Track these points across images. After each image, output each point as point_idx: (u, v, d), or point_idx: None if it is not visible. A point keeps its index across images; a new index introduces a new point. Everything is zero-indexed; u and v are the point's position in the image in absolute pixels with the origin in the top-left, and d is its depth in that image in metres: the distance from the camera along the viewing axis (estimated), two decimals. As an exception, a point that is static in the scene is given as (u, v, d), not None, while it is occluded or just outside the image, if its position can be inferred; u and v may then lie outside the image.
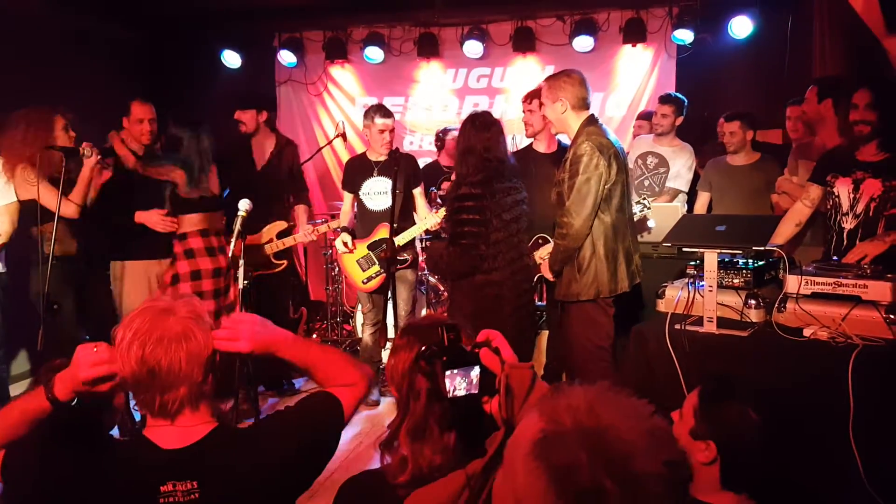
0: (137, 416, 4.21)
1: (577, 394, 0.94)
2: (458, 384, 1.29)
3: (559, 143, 4.32)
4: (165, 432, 1.54)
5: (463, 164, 3.75)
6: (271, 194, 4.78)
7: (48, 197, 3.78)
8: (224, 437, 1.60)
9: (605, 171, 3.35)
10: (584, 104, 3.49)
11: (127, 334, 1.51)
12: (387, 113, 4.54)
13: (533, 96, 4.31)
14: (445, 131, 5.84)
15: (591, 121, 3.48)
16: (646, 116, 5.45)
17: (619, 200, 3.47)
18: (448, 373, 1.29)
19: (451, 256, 3.72)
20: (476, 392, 1.30)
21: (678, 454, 0.90)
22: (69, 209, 3.87)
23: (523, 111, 4.45)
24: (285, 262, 4.94)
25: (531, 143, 4.52)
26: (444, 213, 4.03)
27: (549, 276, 3.64)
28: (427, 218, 4.38)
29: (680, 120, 4.93)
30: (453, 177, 4.12)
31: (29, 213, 3.83)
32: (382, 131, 4.50)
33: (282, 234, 4.83)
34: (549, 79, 3.62)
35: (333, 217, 5.78)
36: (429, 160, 5.98)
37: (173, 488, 1.47)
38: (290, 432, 1.64)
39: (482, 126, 3.78)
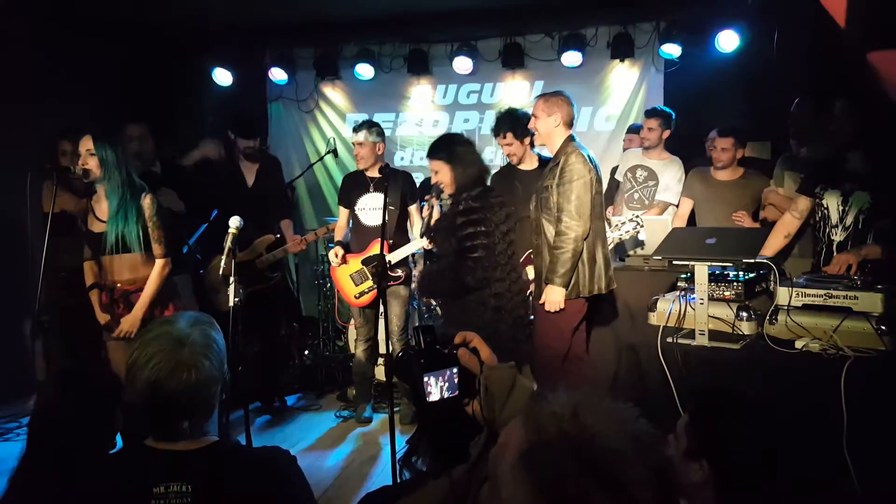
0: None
1: (561, 401, 0.93)
2: (436, 387, 1.28)
3: (539, 158, 4.38)
4: (165, 444, 1.56)
5: (461, 180, 3.76)
6: (261, 210, 4.79)
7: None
8: (224, 449, 1.62)
9: (594, 179, 3.61)
10: (571, 123, 3.78)
11: (141, 358, 1.53)
12: (357, 128, 4.52)
13: (499, 131, 4.33)
14: None
15: (572, 138, 3.74)
16: (635, 130, 5.48)
17: (600, 209, 3.73)
18: (426, 376, 1.27)
19: (462, 271, 3.70)
20: (456, 394, 1.29)
21: (664, 458, 0.89)
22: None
23: (499, 145, 4.47)
24: (278, 274, 4.95)
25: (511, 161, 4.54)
26: (441, 231, 3.98)
27: (554, 305, 3.62)
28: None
29: (667, 133, 4.96)
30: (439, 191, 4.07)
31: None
32: (353, 145, 4.56)
33: (271, 248, 4.84)
34: (545, 95, 3.83)
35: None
36: (420, 175, 5.99)
37: (165, 490, 1.47)
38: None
39: (470, 142, 3.94)
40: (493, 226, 3.74)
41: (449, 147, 3.84)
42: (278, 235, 4.92)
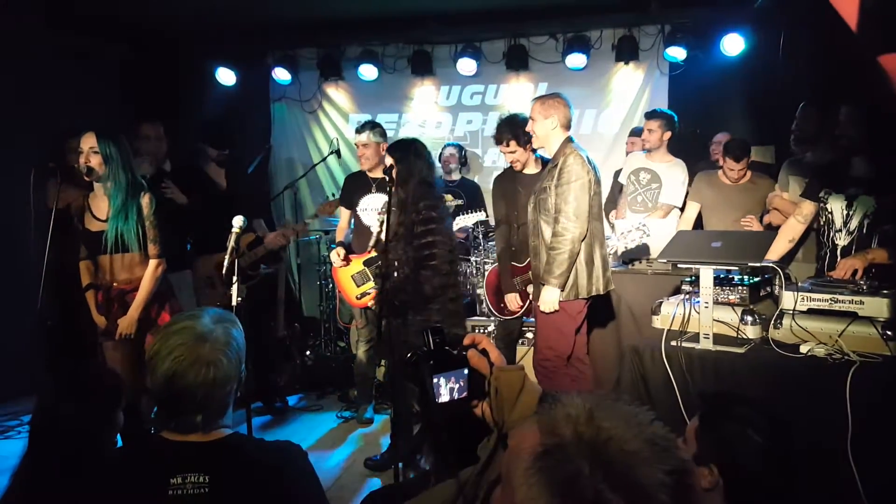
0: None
1: (576, 403, 0.91)
2: (446, 388, 1.27)
3: (542, 160, 4.36)
4: (179, 435, 1.58)
5: (414, 190, 3.73)
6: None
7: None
8: (238, 442, 1.64)
9: (592, 180, 3.60)
10: (569, 125, 3.77)
11: (163, 349, 1.55)
12: (360, 129, 4.53)
13: (501, 138, 4.29)
14: (461, 149, 6.02)
15: (570, 140, 3.73)
16: (638, 133, 5.47)
17: (598, 210, 3.73)
18: (436, 377, 1.26)
19: (420, 281, 3.69)
20: (465, 396, 1.28)
21: (681, 462, 0.88)
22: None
23: (501, 153, 4.44)
24: (265, 270, 4.93)
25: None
26: (399, 239, 3.84)
27: (549, 306, 3.61)
28: None
29: (668, 135, 4.92)
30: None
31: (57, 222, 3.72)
32: (357, 146, 4.55)
33: (252, 246, 4.82)
34: (541, 98, 3.83)
35: (327, 233, 5.79)
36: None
37: (183, 481, 1.49)
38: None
39: (422, 153, 3.86)
40: (447, 234, 3.74)
41: (403, 151, 3.80)
42: (259, 235, 4.92)
